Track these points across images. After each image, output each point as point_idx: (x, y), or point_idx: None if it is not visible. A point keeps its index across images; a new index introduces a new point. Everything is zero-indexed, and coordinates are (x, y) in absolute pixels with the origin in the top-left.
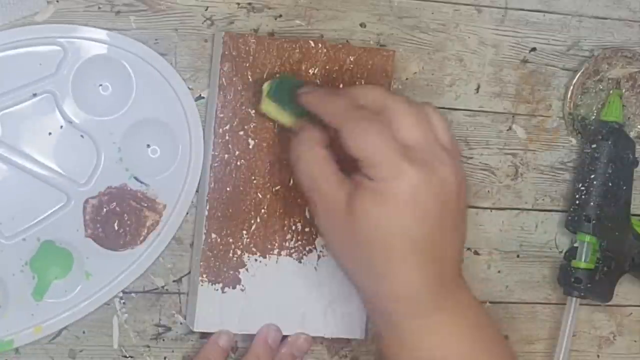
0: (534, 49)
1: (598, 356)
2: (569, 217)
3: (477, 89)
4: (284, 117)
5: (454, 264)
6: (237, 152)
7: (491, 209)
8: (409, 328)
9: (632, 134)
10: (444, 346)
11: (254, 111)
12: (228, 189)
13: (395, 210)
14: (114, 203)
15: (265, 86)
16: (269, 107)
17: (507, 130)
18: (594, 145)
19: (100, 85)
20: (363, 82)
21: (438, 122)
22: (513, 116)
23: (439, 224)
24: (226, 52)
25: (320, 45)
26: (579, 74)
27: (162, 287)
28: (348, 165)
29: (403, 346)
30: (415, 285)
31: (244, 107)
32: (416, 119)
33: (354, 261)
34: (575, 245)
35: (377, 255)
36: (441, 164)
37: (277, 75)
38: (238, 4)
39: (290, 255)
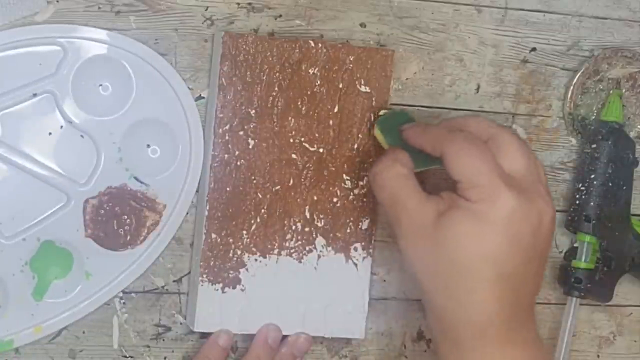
0: (534, 49)
1: (598, 356)
2: (569, 217)
3: (477, 89)
4: (384, 144)
5: (530, 301)
6: (237, 152)
7: None
8: (475, 354)
9: (632, 134)
10: None
11: (253, 111)
12: (228, 189)
13: (489, 233)
14: (114, 203)
15: (381, 112)
16: (377, 133)
17: None
18: (594, 145)
19: (100, 85)
20: (363, 82)
21: (540, 164)
22: (513, 116)
23: (528, 255)
24: (226, 52)
25: (320, 45)
26: (579, 74)
27: (162, 287)
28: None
29: None
30: (492, 315)
31: (243, 107)
32: (523, 152)
33: (433, 279)
34: (575, 245)
35: (460, 276)
36: (540, 198)
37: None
38: (238, 4)
39: (290, 255)
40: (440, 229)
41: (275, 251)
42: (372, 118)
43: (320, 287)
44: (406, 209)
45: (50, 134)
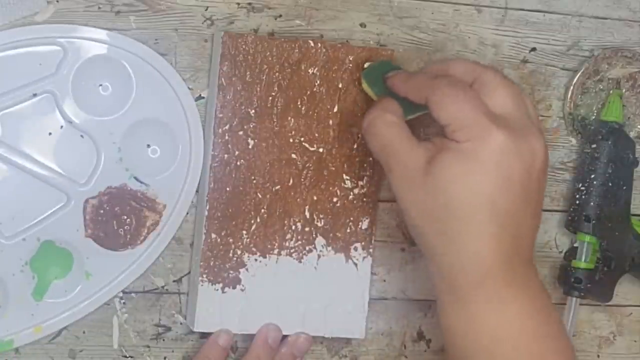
0: (534, 49)
1: (598, 356)
2: (569, 217)
3: None
4: (373, 95)
5: (528, 245)
6: (236, 152)
7: None
8: (475, 301)
9: (632, 134)
10: (508, 325)
11: (253, 111)
12: (228, 189)
13: (481, 172)
14: (114, 203)
15: (366, 65)
16: (364, 86)
17: None
18: (594, 145)
19: (100, 85)
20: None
21: (528, 101)
22: None
23: (522, 195)
24: (225, 52)
25: (319, 45)
26: (579, 74)
27: (162, 287)
28: None
29: (466, 320)
30: (488, 256)
31: (243, 107)
32: (510, 88)
33: (429, 225)
34: (575, 245)
35: (456, 218)
36: (532, 135)
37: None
38: (238, 4)
39: (290, 255)
40: (432, 173)
41: (275, 251)
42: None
43: (320, 287)
44: (398, 156)
45: (50, 134)
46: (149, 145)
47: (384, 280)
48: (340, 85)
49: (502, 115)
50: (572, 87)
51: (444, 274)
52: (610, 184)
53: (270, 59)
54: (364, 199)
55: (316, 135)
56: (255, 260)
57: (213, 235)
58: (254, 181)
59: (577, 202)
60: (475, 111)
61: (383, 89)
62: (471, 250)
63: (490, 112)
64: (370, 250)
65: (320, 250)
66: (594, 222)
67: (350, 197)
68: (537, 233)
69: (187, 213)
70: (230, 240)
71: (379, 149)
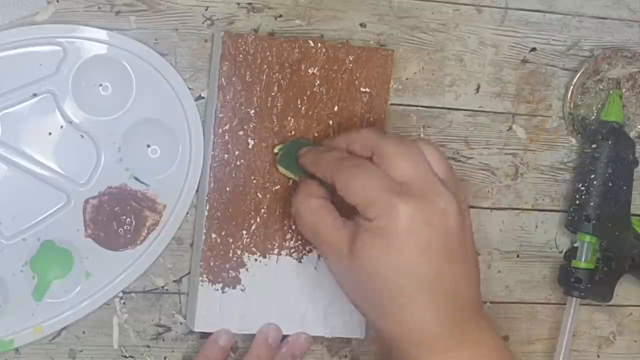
0: (534, 49)
1: (598, 356)
2: (569, 217)
3: (477, 89)
4: (294, 177)
5: (472, 297)
6: (236, 152)
7: (491, 209)
8: None
9: (632, 134)
10: None
11: (253, 111)
12: (228, 189)
13: (396, 247)
14: (114, 203)
15: (276, 149)
16: (280, 169)
17: (507, 130)
18: (594, 145)
19: (100, 85)
20: (363, 82)
21: (433, 155)
22: (513, 116)
23: (444, 257)
24: (226, 52)
25: (319, 45)
26: (579, 74)
27: (162, 287)
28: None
29: None
30: (429, 325)
31: (243, 107)
32: (407, 155)
33: (365, 303)
34: (575, 245)
35: (386, 296)
36: (438, 196)
37: (288, 138)
38: (238, 4)
39: (290, 255)
40: (354, 254)
41: (275, 251)
42: (371, 119)
43: (320, 287)
44: (325, 240)
45: (50, 134)
46: (149, 145)
47: None
48: (340, 85)
49: (405, 182)
50: (572, 87)
51: (392, 344)
52: (610, 184)
53: (270, 59)
54: None
55: (316, 135)
56: (255, 260)
57: (213, 235)
58: (254, 181)
59: (577, 202)
60: (377, 188)
61: (300, 169)
62: (413, 322)
63: (393, 184)
64: None
65: None
66: (594, 222)
67: None
68: (478, 280)
69: (187, 213)
70: (230, 240)
71: (309, 234)
